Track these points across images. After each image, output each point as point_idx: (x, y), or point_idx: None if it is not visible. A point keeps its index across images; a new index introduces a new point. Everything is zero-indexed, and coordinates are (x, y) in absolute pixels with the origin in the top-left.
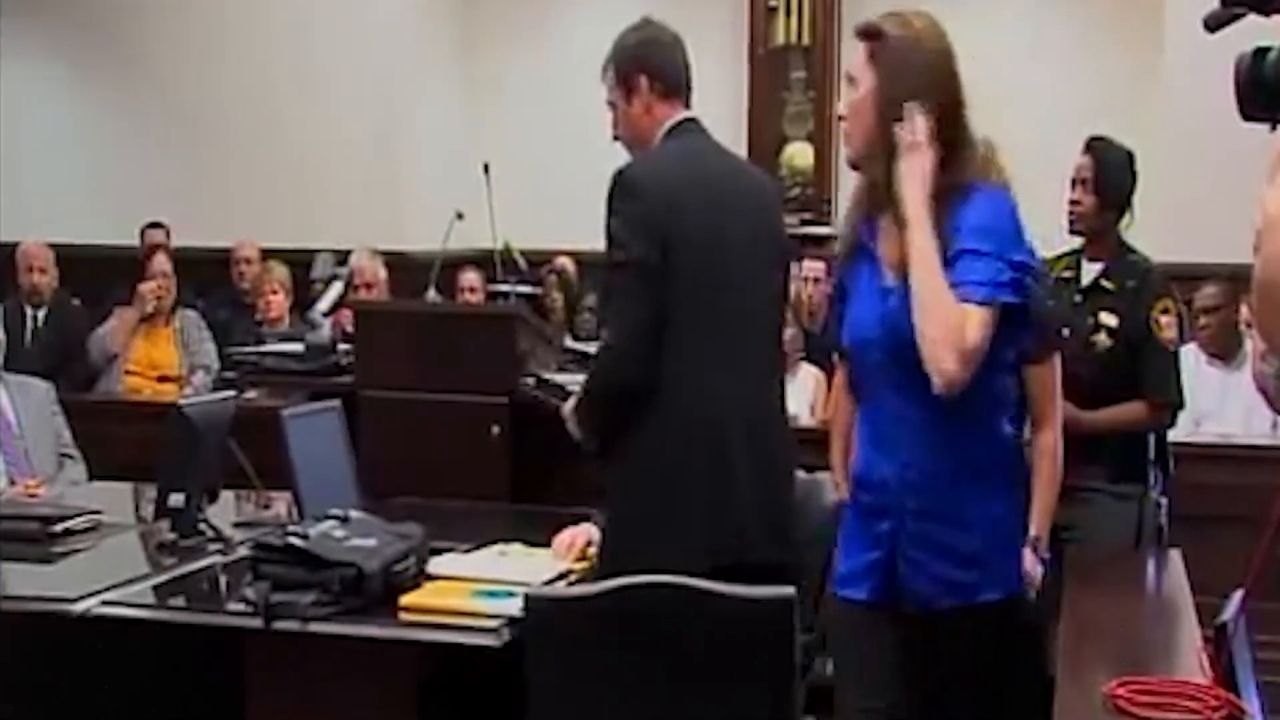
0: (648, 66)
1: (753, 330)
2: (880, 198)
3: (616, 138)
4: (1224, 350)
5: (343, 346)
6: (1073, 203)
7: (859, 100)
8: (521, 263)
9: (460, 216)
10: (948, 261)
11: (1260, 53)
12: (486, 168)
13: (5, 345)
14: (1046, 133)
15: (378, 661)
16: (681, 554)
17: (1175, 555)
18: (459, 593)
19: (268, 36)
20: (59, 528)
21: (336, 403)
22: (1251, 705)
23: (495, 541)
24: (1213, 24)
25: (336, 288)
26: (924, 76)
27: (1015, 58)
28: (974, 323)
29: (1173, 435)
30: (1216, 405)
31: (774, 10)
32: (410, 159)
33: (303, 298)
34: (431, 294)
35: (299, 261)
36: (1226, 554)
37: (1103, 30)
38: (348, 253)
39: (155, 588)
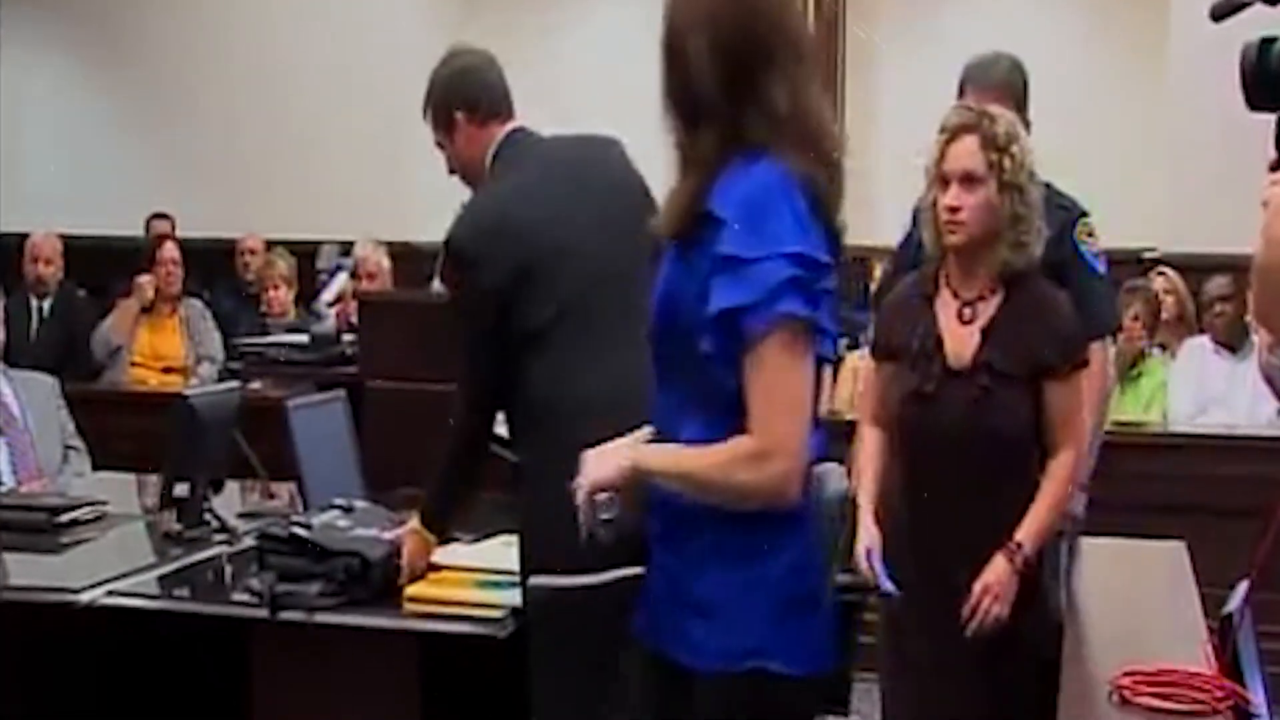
0: (460, 100)
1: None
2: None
3: (452, 172)
4: (1233, 340)
5: (347, 337)
6: None
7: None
8: None
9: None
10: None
11: (1266, 43)
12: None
13: (11, 337)
14: (1053, 120)
15: (382, 651)
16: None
17: (1180, 547)
18: (463, 583)
19: (272, 28)
20: (65, 518)
21: (341, 393)
22: (1256, 696)
23: (499, 533)
24: (1219, 14)
25: (341, 278)
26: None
27: (1020, 45)
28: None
29: (1178, 426)
30: (1223, 394)
31: None
32: (413, 150)
33: (307, 289)
34: (436, 284)
35: (303, 252)
36: (1231, 545)
37: (1107, 19)
38: (352, 244)
39: (161, 578)
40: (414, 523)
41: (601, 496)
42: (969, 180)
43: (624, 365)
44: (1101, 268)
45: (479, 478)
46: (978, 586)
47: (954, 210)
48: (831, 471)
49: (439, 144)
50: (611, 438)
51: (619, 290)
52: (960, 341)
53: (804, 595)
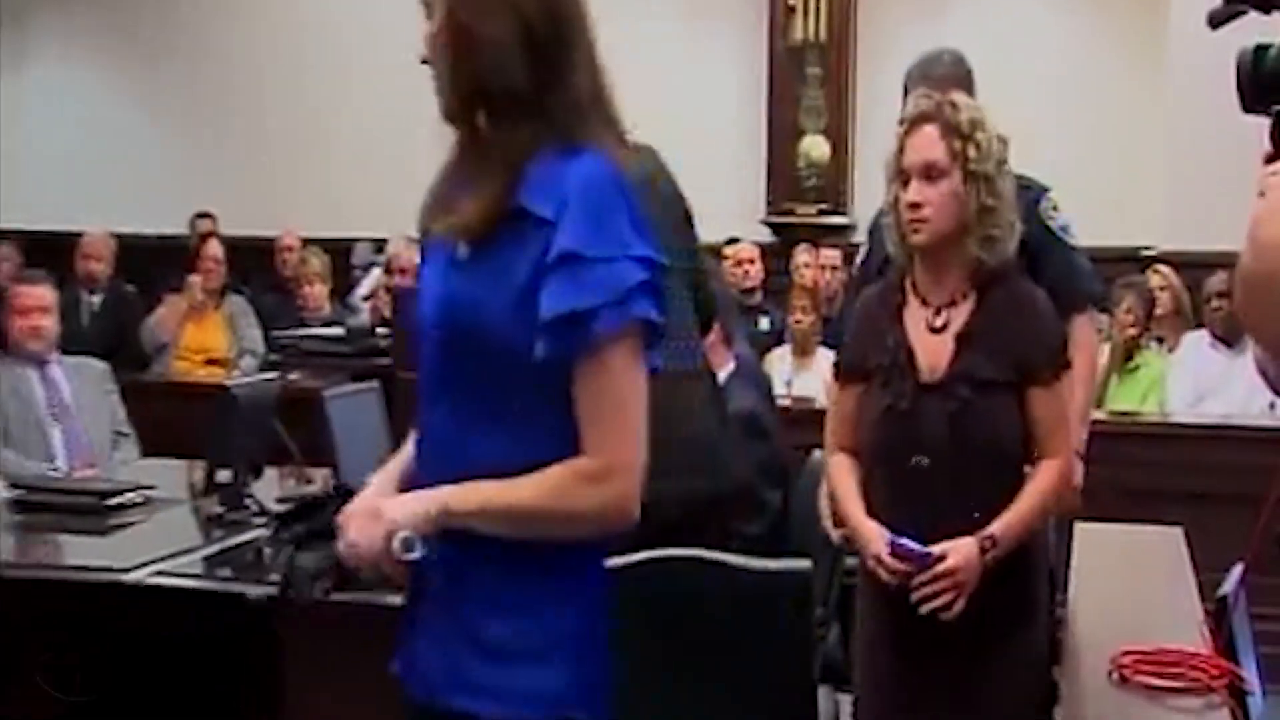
0: None
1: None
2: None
3: None
4: (1230, 334)
5: (381, 330)
6: None
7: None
8: None
9: None
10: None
11: (1260, 49)
12: None
13: (63, 329)
14: (1054, 119)
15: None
16: None
17: (1177, 532)
18: None
19: (306, 33)
20: (114, 502)
21: (375, 384)
22: (1250, 674)
23: None
24: (1215, 21)
25: (375, 274)
26: None
27: (1021, 43)
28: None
29: (1177, 418)
30: (1220, 385)
31: (793, 10)
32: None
33: (342, 284)
34: None
35: (338, 249)
36: (1227, 531)
37: (1107, 20)
38: (385, 241)
39: (204, 559)
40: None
41: (400, 538)
42: (931, 172)
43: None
44: (1074, 238)
45: None
46: (942, 566)
47: (916, 207)
48: None
49: None
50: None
51: None
52: (933, 352)
53: (601, 640)
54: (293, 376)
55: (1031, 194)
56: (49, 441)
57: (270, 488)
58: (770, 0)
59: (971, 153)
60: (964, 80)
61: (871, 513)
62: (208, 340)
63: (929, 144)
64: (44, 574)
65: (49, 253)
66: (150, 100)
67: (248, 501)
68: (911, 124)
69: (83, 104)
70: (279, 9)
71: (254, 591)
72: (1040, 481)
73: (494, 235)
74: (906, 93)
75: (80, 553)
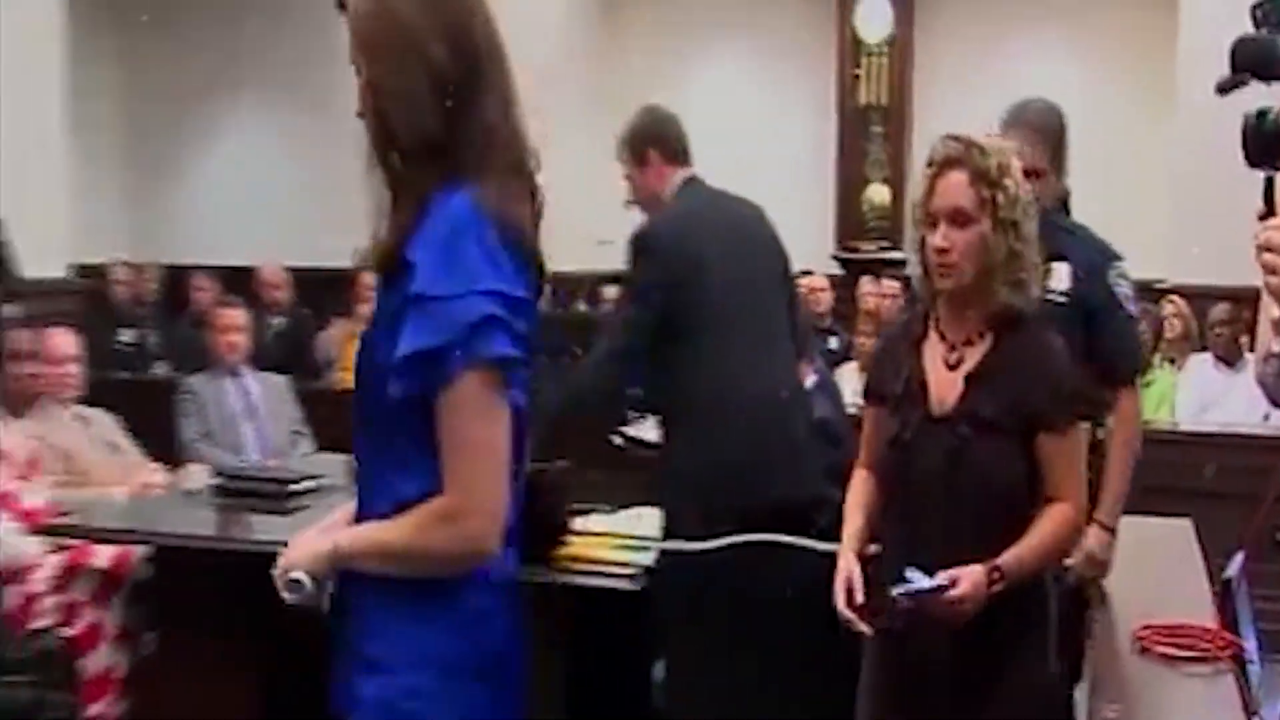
0: (655, 140)
1: (775, 316)
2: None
3: (632, 203)
4: (1230, 356)
5: None
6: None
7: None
8: None
9: (605, 243)
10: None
11: (1261, 114)
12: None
13: (252, 346)
14: (1074, 163)
15: (538, 601)
16: (720, 508)
17: (1187, 524)
18: (604, 546)
19: None
20: (294, 488)
21: None
22: (1250, 646)
23: (635, 504)
24: (1222, 89)
25: None
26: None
27: (1035, 85)
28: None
29: (1185, 426)
30: (1221, 398)
31: (858, 78)
32: (559, 191)
33: None
34: (581, 305)
35: None
36: (1228, 523)
37: (1119, 64)
38: None
39: None
40: None
41: (293, 576)
42: (959, 218)
43: (762, 369)
44: (1134, 310)
45: (591, 412)
46: (951, 594)
47: (943, 251)
48: None
49: (628, 176)
50: (745, 424)
51: (753, 306)
52: (944, 388)
53: (473, 657)
54: None
55: (1103, 259)
56: (242, 438)
57: None
58: (839, 69)
59: (1000, 199)
60: (1053, 128)
61: (882, 529)
62: None
63: (957, 190)
64: (239, 546)
65: (238, 284)
66: (317, 155)
67: None
68: (940, 168)
69: (262, 161)
70: None
71: None
72: (1049, 521)
73: (389, 277)
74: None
75: (267, 529)
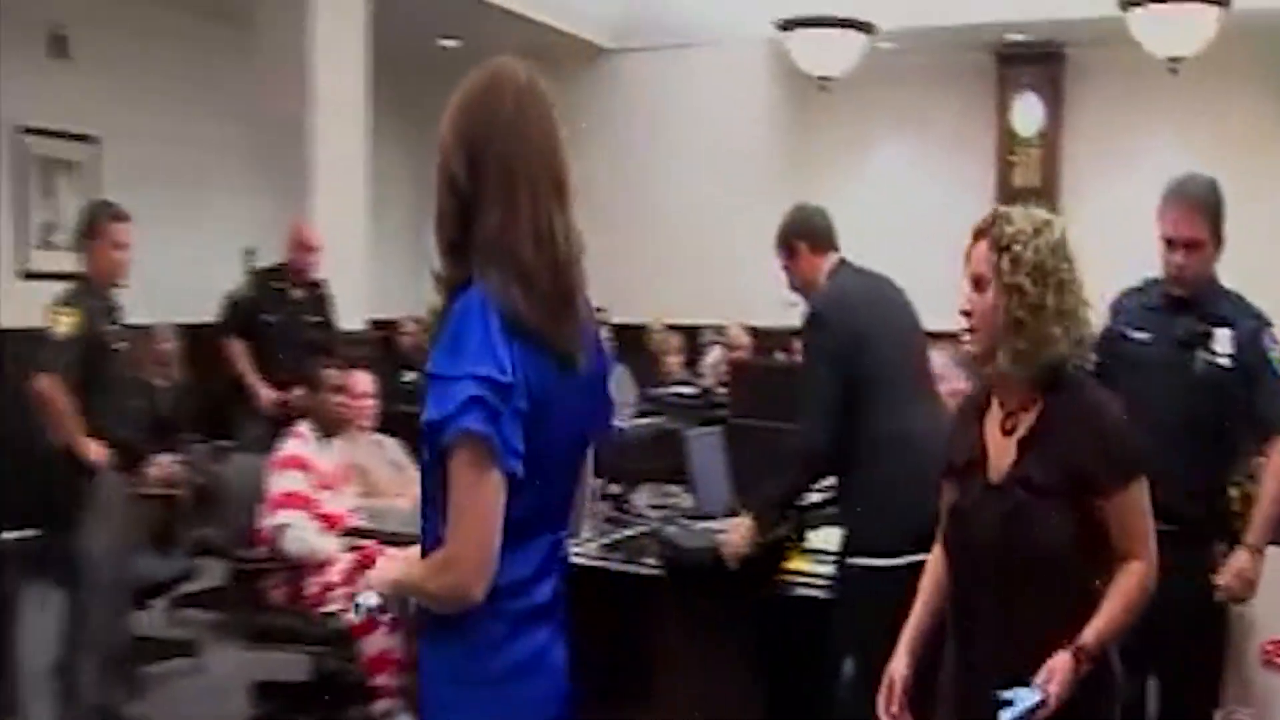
0: (803, 235)
1: (922, 376)
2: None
3: (791, 289)
4: None
5: (720, 390)
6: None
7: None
8: None
9: (792, 304)
10: None
11: None
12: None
13: None
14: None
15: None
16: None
17: None
18: (804, 559)
19: (678, 164)
20: None
21: (718, 428)
22: None
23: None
24: None
25: (716, 350)
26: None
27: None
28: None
29: None
30: None
31: (1013, 164)
32: (761, 256)
33: (690, 355)
34: (779, 355)
35: (690, 329)
36: None
37: (1248, 159)
38: (723, 325)
39: (601, 546)
40: (744, 516)
41: (356, 598)
42: (979, 284)
43: (922, 412)
44: None
45: (807, 492)
46: (1050, 695)
47: (965, 315)
48: None
49: (785, 268)
50: (914, 460)
51: (906, 359)
52: (1001, 454)
53: (479, 675)
54: (657, 420)
55: (1257, 324)
56: None
57: (646, 497)
58: (997, 157)
59: (1005, 265)
60: (1211, 201)
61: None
62: None
63: (979, 257)
64: None
65: None
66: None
67: (631, 507)
68: (973, 237)
69: None
70: (663, 136)
71: (640, 570)
72: (1122, 585)
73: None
74: (1162, 206)
75: None
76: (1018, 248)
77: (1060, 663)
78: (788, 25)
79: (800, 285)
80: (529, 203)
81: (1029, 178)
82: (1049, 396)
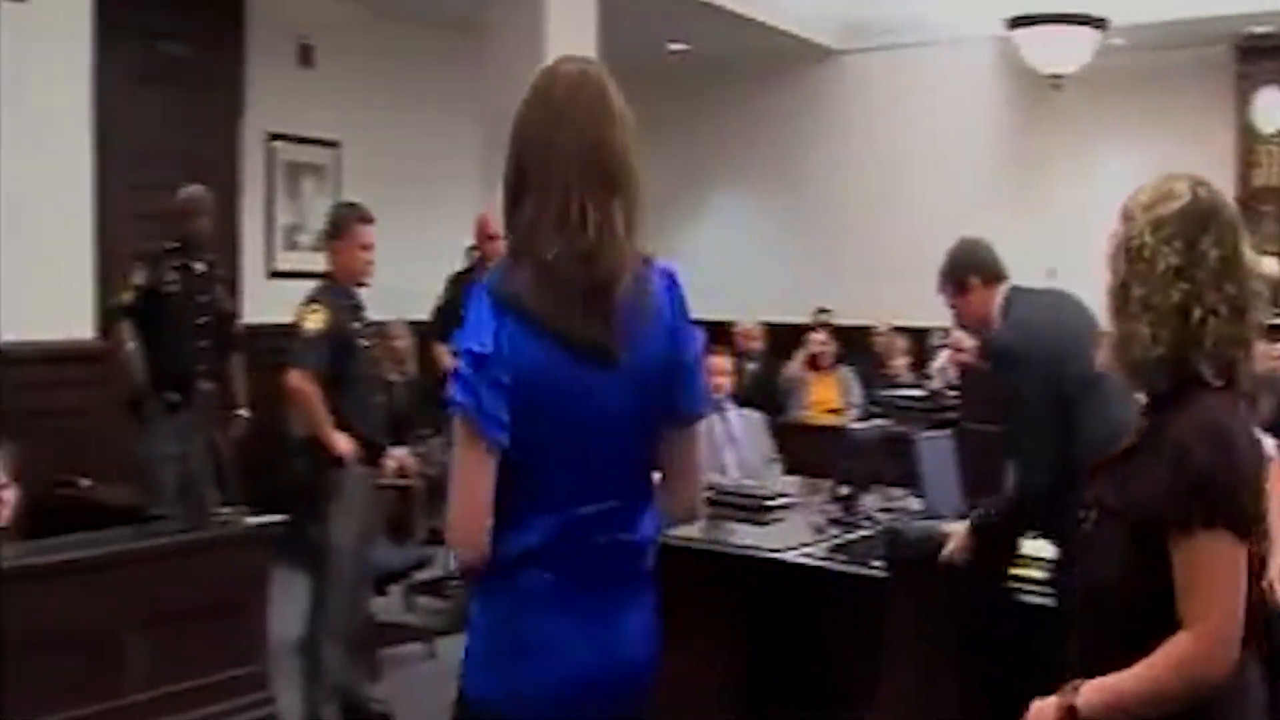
0: (974, 268)
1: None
2: None
3: (962, 326)
4: None
5: (950, 393)
6: None
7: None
8: None
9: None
10: None
11: None
12: (1052, 272)
13: (734, 387)
14: None
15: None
16: None
17: None
18: (1027, 565)
19: (899, 175)
20: (769, 504)
21: (948, 432)
22: None
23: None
24: None
25: (944, 353)
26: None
27: None
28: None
29: None
30: None
31: (1253, 164)
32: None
33: (918, 358)
34: None
35: (918, 332)
36: None
37: None
38: (948, 328)
39: (830, 547)
40: (964, 525)
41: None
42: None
43: (1124, 417)
44: None
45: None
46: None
47: None
48: None
49: (952, 305)
50: None
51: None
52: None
53: (508, 643)
54: (884, 423)
55: None
56: (725, 462)
57: (875, 500)
58: (1237, 156)
59: (1109, 246)
60: None
61: None
62: (826, 395)
63: None
64: (726, 549)
65: (720, 335)
66: (781, 229)
67: (859, 509)
68: None
69: (738, 234)
70: (888, 137)
71: (867, 572)
72: (1159, 657)
73: None
74: None
75: (748, 537)
76: (1122, 225)
77: (1040, 706)
78: (1017, 22)
79: (973, 321)
80: (560, 192)
81: (1271, 178)
82: (1155, 409)
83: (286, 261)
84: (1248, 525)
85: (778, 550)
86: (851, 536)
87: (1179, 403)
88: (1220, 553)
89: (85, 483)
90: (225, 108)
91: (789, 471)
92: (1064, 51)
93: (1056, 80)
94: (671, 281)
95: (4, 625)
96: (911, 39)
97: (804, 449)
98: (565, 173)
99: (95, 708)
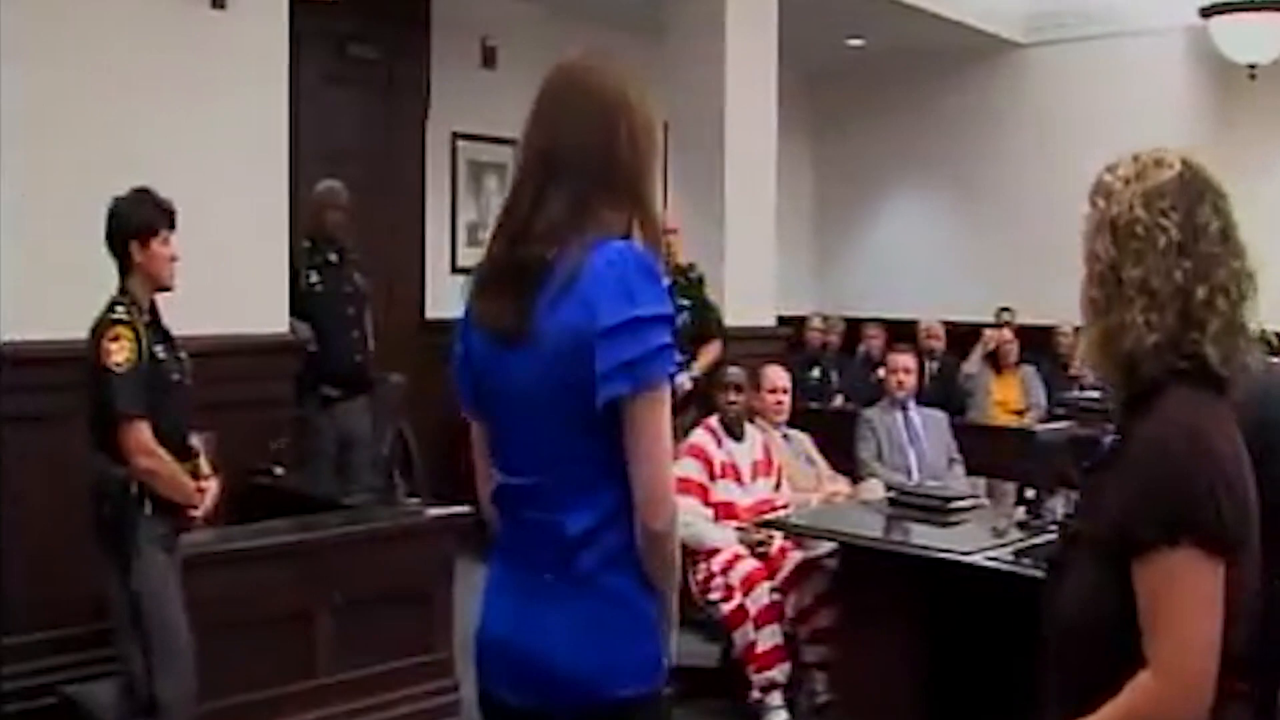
0: None
1: None
2: None
3: None
4: None
5: None
6: None
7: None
8: None
9: None
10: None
11: None
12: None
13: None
14: None
15: None
16: None
17: None
18: None
19: (1085, 147)
20: (952, 505)
21: None
22: None
23: None
24: None
25: None
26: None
27: None
28: None
29: None
30: None
31: None
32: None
33: None
34: None
35: None
36: None
37: None
38: None
39: (1013, 550)
40: None
41: None
42: None
43: None
44: None
45: None
46: None
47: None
48: None
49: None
50: None
51: None
52: None
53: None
54: (1070, 425)
55: None
56: (908, 461)
57: (1060, 503)
58: None
59: (1087, 225)
60: None
61: None
62: (1008, 396)
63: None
64: (909, 550)
65: (903, 333)
66: (971, 222)
67: (1045, 512)
68: None
69: (919, 234)
70: (1075, 131)
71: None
72: (1124, 698)
73: None
74: None
75: (931, 538)
76: (1102, 202)
77: None
78: (1210, 10)
79: None
80: (515, 184)
81: None
82: (1130, 413)
83: (469, 258)
84: (1222, 542)
85: (965, 552)
86: (1037, 541)
87: (1155, 400)
88: (1182, 576)
89: (279, 471)
90: (411, 108)
91: (972, 472)
92: (1260, 40)
93: (1252, 70)
94: (612, 259)
95: (204, 608)
96: (1099, 30)
97: (985, 450)
98: (524, 166)
99: (287, 689)
